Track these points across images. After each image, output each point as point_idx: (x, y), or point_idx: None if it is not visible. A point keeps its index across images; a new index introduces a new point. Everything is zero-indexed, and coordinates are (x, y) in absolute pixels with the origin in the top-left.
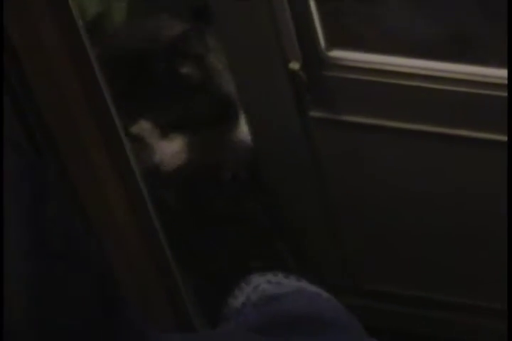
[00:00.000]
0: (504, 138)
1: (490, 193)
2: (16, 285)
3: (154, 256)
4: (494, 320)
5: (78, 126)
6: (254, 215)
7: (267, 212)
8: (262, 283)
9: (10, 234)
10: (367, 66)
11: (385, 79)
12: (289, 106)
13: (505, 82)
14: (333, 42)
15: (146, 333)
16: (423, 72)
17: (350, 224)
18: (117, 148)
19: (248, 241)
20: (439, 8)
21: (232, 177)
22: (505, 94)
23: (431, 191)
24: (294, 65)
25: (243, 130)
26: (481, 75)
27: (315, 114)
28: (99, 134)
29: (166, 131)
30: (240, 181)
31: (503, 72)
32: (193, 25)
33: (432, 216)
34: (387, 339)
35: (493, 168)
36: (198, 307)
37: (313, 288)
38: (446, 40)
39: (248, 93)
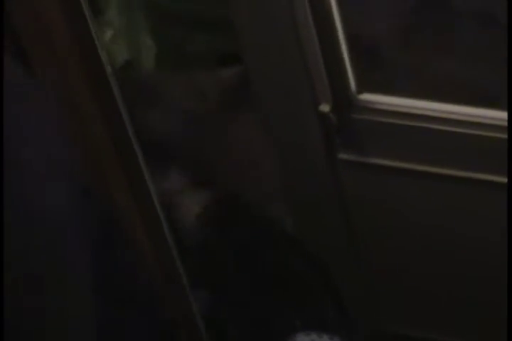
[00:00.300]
0: None
1: None
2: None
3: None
4: None
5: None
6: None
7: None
8: None
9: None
10: (396, 109)
11: (415, 122)
12: (319, 147)
13: None
14: (364, 86)
15: None
16: (452, 117)
17: (378, 265)
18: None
19: (292, 295)
20: (472, 53)
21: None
22: None
23: (459, 234)
24: (324, 107)
25: None
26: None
27: (344, 156)
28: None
29: None
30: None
31: None
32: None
33: (459, 259)
34: None
35: None
36: None
37: None
38: (478, 85)
39: (278, 134)
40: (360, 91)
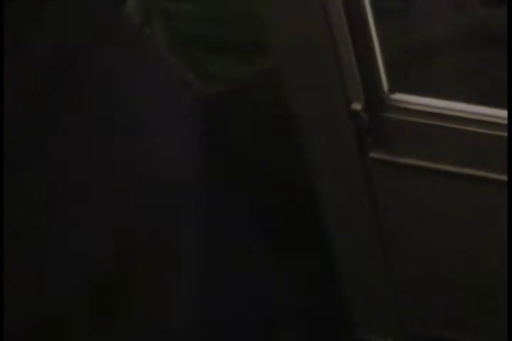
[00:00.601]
0: None
1: None
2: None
3: None
4: None
5: None
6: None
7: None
8: None
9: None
10: (428, 110)
11: (446, 123)
12: (350, 145)
13: None
14: (396, 86)
15: None
16: (484, 119)
17: (403, 265)
18: None
19: None
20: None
21: None
22: None
23: (487, 237)
24: (356, 106)
25: None
26: None
27: (375, 155)
28: None
29: None
30: None
31: None
32: None
33: (487, 262)
34: None
35: None
36: None
37: None
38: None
39: (310, 131)
40: (392, 90)
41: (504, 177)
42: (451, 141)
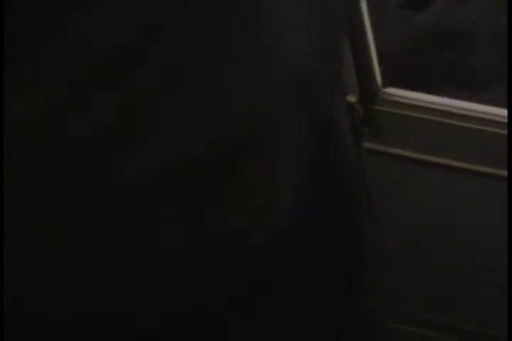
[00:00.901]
0: None
1: None
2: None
3: None
4: None
5: None
6: None
7: None
8: None
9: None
10: (418, 104)
11: (437, 117)
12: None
13: None
14: (389, 80)
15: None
16: (471, 114)
17: (400, 251)
18: None
19: None
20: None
21: None
22: None
23: (482, 229)
24: (351, 98)
25: None
26: None
27: (368, 145)
28: None
29: None
30: None
31: None
32: None
33: (479, 253)
34: None
35: None
36: None
37: None
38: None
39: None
40: (385, 85)
41: (495, 171)
42: (440, 134)
